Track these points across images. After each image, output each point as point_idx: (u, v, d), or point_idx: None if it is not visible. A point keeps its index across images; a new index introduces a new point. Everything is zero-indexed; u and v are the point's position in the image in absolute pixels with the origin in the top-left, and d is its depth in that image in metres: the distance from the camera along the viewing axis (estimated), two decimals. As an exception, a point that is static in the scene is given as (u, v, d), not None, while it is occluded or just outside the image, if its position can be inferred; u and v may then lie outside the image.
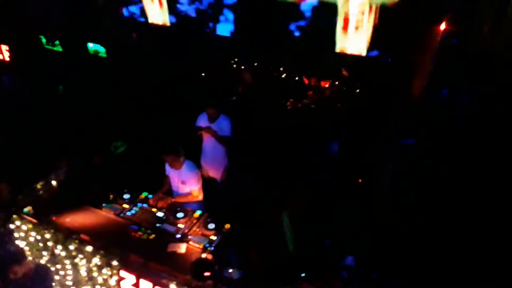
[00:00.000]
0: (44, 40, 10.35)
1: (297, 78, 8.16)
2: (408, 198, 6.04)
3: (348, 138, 7.18)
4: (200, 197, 5.43)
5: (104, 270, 3.95)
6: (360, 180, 6.64)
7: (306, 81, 8.14)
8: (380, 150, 6.77)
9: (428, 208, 5.86)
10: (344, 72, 7.80)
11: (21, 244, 4.44)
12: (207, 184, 6.32)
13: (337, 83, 7.90)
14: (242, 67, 8.66)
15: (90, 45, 9.98)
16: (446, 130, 6.82)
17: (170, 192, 5.49)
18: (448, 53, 6.94)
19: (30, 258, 4.51)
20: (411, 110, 7.20)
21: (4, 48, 10.05)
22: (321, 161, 7.05)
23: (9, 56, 10.14)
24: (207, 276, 3.72)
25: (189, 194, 5.32)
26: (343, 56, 7.56)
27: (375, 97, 7.46)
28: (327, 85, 7.96)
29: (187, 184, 5.22)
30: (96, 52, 10.08)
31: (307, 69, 8.09)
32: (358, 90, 7.72)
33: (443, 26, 6.61)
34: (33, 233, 4.34)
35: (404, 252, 5.26)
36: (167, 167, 5.38)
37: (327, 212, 5.86)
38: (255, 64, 8.55)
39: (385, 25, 7.03)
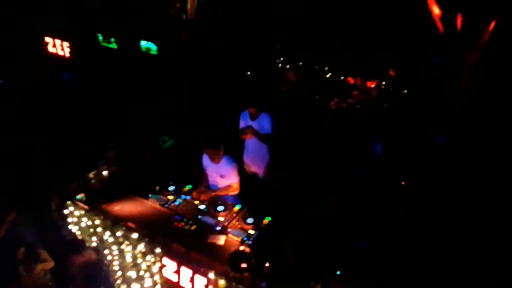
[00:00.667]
0: (100, 38, 10.86)
1: (342, 78, 8.11)
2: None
3: (393, 138, 7.07)
4: (238, 191, 5.58)
5: (148, 257, 4.16)
6: (403, 183, 6.53)
7: (352, 81, 8.06)
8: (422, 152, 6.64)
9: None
10: (392, 72, 7.67)
11: (73, 228, 4.76)
12: (249, 179, 6.47)
13: (383, 83, 7.77)
14: (287, 66, 8.69)
15: (143, 43, 10.38)
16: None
17: (208, 187, 5.65)
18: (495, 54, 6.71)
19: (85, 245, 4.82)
20: (456, 109, 6.99)
21: (66, 44, 10.63)
22: (365, 161, 7.00)
23: (70, 52, 10.72)
24: (244, 268, 3.83)
25: (229, 186, 5.47)
26: (390, 56, 7.48)
27: (422, 97, 7.30)
28: (373, 85, 7.85)
29: (226, 177, 5.36)
30: (148, 49, 10.46)
31: (352, 69, 8.02)
32: (405, 91, 7.57)
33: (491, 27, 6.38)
34: (84, 219, 4.64)
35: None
36: (205, 162, 5.53)
37: (366, 213, 5.84)
38: (300, 63, 8.57)
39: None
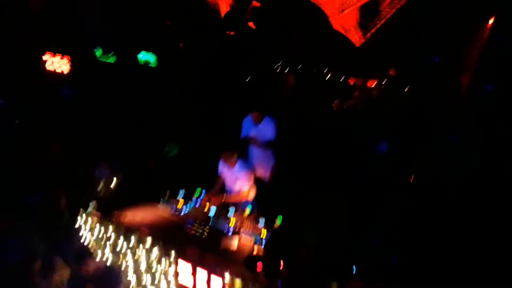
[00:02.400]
0: (99, 53, 10.94)
1: (342, 79, 8.16)
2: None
3: (396, 137, 7.11)
4: (251, 196, 5.60)
5: (163, 261, 4.17)
6: (412, 180, 6.55)
7: (352, 82, 8.11)
8: (430, 149, 6.65)
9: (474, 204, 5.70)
10: (391, 72, 7.73)
11: (87, 238, 4.77)
12: (256, 184, 6.49)
13: (384, 83, 7.82)
14: (286, 69, 8.75)
15: (141, 55, 10.46)
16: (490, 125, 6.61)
17: (222, 191, 5.68)
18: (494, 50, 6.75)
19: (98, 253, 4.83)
20: (458, 106, 7.03)
21: (64, 61, 10.70)
22: (368, 161, 7.03)
23: (69, 69, 10.78)
24: (260, 267, 3.86)
25: (239, 192, 5.50)
26: (389, 55, 7.55)
27: (423, 95, 7.35)
28: (373, 85, 7.90)
29: (239, 181, 5.42)
30: (147, 62, 10.54)
31: (352, 70, 8.08)
32: (406, 89, 7.62)
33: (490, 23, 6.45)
34: (97, 227, 4.66)
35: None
36: (221, 167, 5.59)
37: (374, 211, 5.85)
38: (299, 66, 8.62)
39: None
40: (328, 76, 8.21)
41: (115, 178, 5.42)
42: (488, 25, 6.85)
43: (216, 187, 5.66)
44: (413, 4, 7.23)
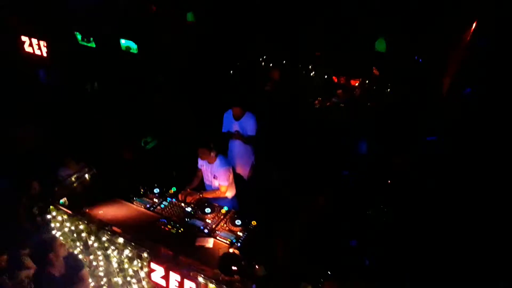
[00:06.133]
0: (79, 37, 10.59)
1: (326, 77, 8.08)
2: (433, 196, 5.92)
3: (378, 137, 7.09)
4: (229, 195, 5.51)
5: (135, 262, 4.05)
6: (389, 181, 6.55)
7: (336, 80, 8.06)
8: (409, 150, 6.65)
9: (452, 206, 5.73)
10: (375, 71, 7.69)
11: (56, 234, 4.61)
12: (235, 180, 6.39)
13: (367, 82, 7.78)
14: (271, 64, 8.64)
15: (123, 41, 10.16)
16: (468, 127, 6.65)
17: (199, 187, 5.57)
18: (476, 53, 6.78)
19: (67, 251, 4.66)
20: (438, 108, 7.05)
21: (42, 43, 10.33)
22: (349, 161, 7.00)
23: (47, 52, 10.42)
24: (234, 270, 3.77)
25: (217, 189, 5.40)
26: (374, 55, 7.49)
27: (406, 96, 7.33)
28: (356, 84, 7.86)
29: (218, 179, 5.31)
30: (128, 48, 10.25)
31: (336, 68, 8.01)
32: (388, 89, 7.60)
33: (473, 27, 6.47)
34: (67, 224, 4.50)
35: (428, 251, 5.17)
36: (201, 161, 5.48)
37: (352, 212, 5.83)
38: (284, 62, 8.52)
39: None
40: (312, 73, 8.12)
41: (87, 172, 5.22)
42: (471, 29, 6.87)
43: (193, 182, 5.56)
44: (399, 5, 7.18)
